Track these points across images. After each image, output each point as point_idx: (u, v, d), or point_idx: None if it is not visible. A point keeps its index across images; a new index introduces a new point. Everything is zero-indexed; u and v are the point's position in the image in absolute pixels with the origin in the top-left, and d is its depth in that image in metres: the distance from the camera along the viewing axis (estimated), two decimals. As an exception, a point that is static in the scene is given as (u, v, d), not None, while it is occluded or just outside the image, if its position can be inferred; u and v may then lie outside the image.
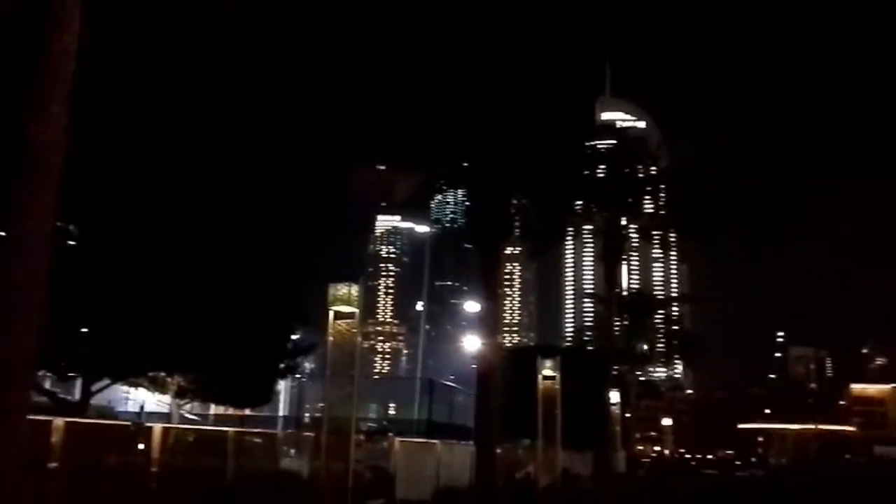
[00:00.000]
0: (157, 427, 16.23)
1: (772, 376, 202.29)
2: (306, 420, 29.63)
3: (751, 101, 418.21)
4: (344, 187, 21.79)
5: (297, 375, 31.95)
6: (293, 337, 22.14)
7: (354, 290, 13.95)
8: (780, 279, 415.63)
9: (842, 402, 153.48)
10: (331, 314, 13.93)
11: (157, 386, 20.82)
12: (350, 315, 13.92)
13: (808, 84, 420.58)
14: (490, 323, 21.45)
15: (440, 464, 21.89)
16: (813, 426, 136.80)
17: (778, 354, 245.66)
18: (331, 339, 13.96)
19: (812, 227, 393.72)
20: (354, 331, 13.94)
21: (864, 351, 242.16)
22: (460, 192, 22.98)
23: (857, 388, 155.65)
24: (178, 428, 18.57)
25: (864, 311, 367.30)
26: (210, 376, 19.37)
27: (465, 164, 21.07)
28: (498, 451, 22.79)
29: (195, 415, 27.10)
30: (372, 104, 18.78)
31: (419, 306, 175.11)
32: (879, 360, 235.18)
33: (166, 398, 22.09)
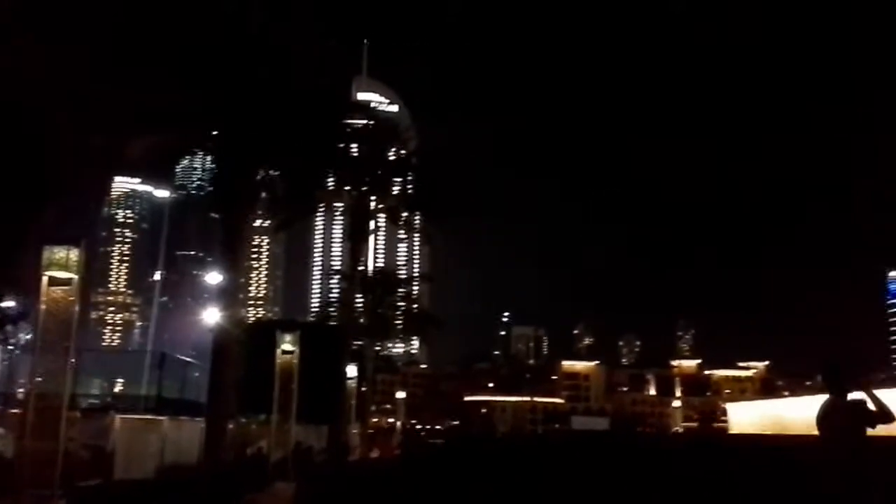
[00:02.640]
0: None
1: (496, 352, 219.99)
2: (20, 396, 26.69)
3: (499, 93, 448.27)
4: (71, 143, 19.78)
5: (11, 347, 28.60)
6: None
7: (74, 254, 12.80)
8: (510, 262, 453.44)
9: (554, 377, 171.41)
10: (44, 280, 12.69)
11: None
12: (68, 282, 12.77)
13: (557, 76, 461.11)
14: (230, 295, 20.88)
15: (166, 441, 20.97)
16: (529, 399, 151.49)
17: (503, 333, 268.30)
18: (44, 307, 12.72)
19: (535, 215, 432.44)
20: (72, 299, 12.82)
21: (576, 331, 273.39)
22: (209, 157, 21.99)
23: (567, 364, 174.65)
24: None
25: (578, 294, 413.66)
26: None
27: (215, 130, 20.20)
28: (230, 426, 22.32)
29: None
30: (113, 58, 17.27)
31: (157, 276, 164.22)
32: (588, 340, 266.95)
33: None
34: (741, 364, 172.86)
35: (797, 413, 58.85)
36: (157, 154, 22.64)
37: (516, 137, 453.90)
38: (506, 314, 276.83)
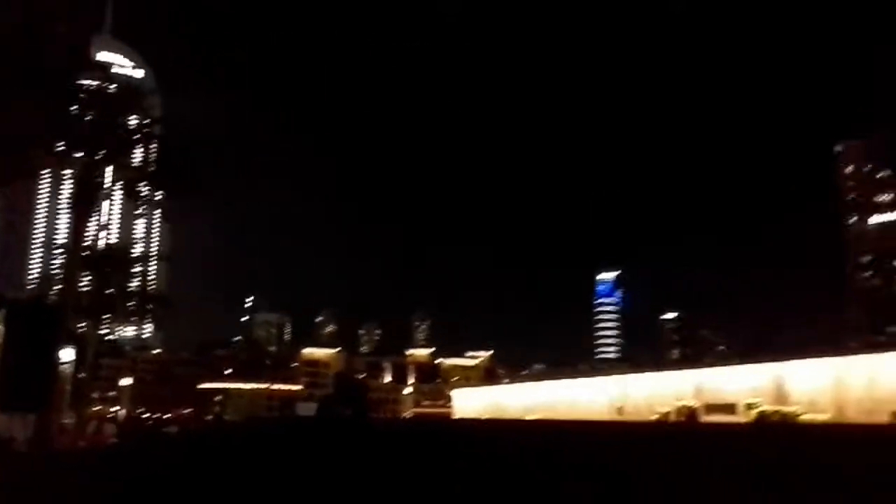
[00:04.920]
0: None
1: (237, 338, 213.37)
2: None
3: (254, 70, 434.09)
4: None
5: None
6: None
7: None
8: (257, 245, 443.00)
9: (294, 364, 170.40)
10: None
11: None
12: None
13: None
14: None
15: None
16: (266, 386, 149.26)
17: (245, 318, 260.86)
18: None
19: (288, 200, 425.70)
20: None
21: (319, 319, 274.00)
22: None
23: (307, 351, 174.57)
24: None
25: (324, 283, 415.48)
26: None
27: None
28: None
29: None
30: None
31: None
32: (330, 327, 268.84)
33: None
34: (468, 354, 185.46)
35: (514, 399, 64.72)
36: None
37: (275, 120, 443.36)
38: (249, 299, 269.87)
